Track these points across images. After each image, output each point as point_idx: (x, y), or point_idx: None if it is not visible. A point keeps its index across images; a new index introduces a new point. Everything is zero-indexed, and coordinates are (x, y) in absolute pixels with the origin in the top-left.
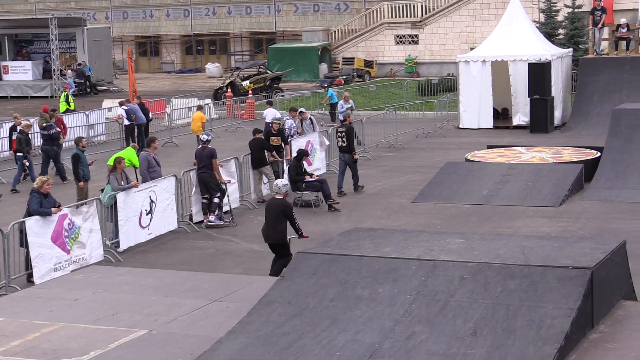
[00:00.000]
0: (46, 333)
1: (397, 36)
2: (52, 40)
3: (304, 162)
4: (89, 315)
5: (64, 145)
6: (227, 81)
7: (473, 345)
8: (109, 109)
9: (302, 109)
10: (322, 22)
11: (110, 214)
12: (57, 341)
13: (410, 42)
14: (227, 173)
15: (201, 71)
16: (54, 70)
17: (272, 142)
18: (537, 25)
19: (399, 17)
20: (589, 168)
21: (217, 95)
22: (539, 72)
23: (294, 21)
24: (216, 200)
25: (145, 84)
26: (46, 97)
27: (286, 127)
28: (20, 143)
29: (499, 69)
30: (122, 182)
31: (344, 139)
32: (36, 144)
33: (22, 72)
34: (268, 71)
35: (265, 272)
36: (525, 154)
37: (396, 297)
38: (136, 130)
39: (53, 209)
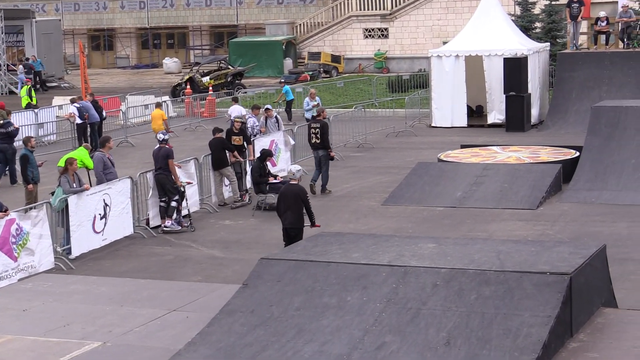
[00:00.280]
0: None
1: (366, 30)
2: None
3: (268, 163)
4: (38, 327)
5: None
6: (186, 77)
7: (446, 356)
8: (60, 107)
9: (269, 106)
10: (286, 14)
11: (61, 219)
12: (4, 355)
13: (379, 36)
14: (186, 174)
15: (158, 66)
16: (0, 65)
17: (233, 142)
18: (513, 18)
19: (368, 9)
20: (568, 168)
21: (175, 92)
22: (514, 68)
23: (257, 14)
24: (173, 204)
25: (99, 80)
26: None
27: (249, 125)
28: None
29: (473, 65)
30: (74, 185)
31: (318, 135)
32: None
33: None
34: (229, 66)
35: (227, 279)
36: (501, 154)
37: (365, 305)
38: (89, 130)
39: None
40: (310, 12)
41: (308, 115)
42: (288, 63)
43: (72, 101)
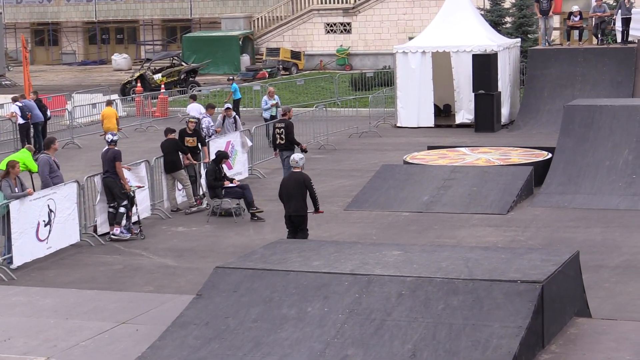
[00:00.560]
0: None
1: (328, 24)
2: None
3: (224, 166)
4: None
5: None
6: (137, 74)
7: None
8: (1, 106)
9: (228, 105)
10: (243, 8)
11: (2, 226)
12: None
13: (342, 31)
14: (137, 178)
15: (107, 63)
16: None
17: (187, 143)
18: (482, 12)
19: (330, 3)
20: (540, 171)
21: (125, 90)
22: (484, 65)
23: (212, 7)
24: (122, 210)
25: (43, 77)
26: None
27: (203, 126)
28: None
29: (441, 61)
30: (16, 189)
31: (283, 136)
32: None
33: None
34: (183, 63)
35: (180, 289)
36: (470, 156)
37: (327, 316)
38: (32, 130)
39: None
40: (269, 6)
41: (266, 115)
42: (245, 59)
43: (14, 100)
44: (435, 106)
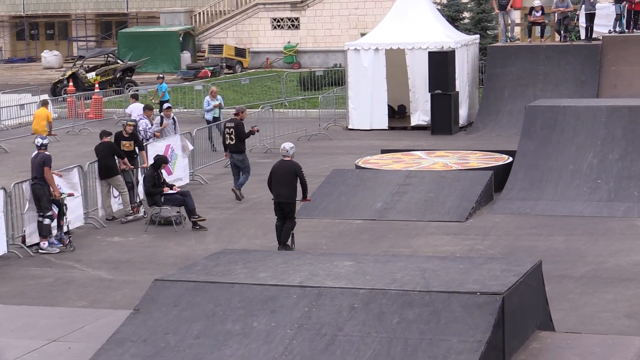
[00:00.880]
0: None
1: (274, 19)
2: None
3: (163, 171)
4: None
5: None
6: (69, 73)
7: None
8: None
9: (168, 105)
10: (184, 2)
11: None
12: None
13: (289, 27)
14: (69, 185)
15: (36, 60)
16: None
17: (123, 147)
18: (439, 7)
19: None
20: (500, 176)
21: (56, 89)
22: (440, 63)
23: (150, 1)
24: (47, 221)
25: None
26: None
27: (140, 128)
28: None
29: (395, 59)
30: None
31: (233, 136)
32: None
33: None
34: (118, 61)
35: (116, 304)
36: (426, 160)
37: (274, 331)
38: None
39: None
40: (212, 0)
41: (209, 116)
42: (186, 57)
43: None
44: (389, 107)
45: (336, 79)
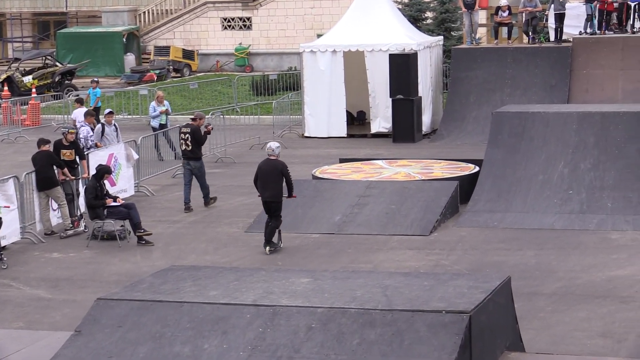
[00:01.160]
0: None
1: (225, 19)
2: None
3: (106, 182)
4: None
5: None
6: (3, 76)
7: None
8: None
9: (109, 109)
10: (127, 0)
11: None
12: None
13: (241, 27)
14: (3, 197)
15: None
16: None
17: (63, 157)
18: (400, 7)
19: None
20: (466, 186)
21: None
22: (402, 66)
23: None
24: None
25: None
26: None
27: (81, 136)
28: None
29: (354, 62)
30: None
31: (189, 142)
32: None
33: None
34: (57, 63)
35: (55, 325)
36: (387, 170)
37: (226, 354)
38: None
39: None
40: None
41: (155, 123)
42: (130, 59)
43: None
44: (348, 113)
45: (291, 83)
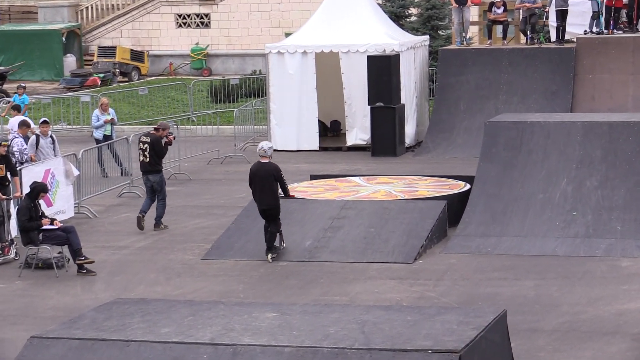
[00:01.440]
0: None
1: (179, 16)
2: None
3: (41, 202)
4: None
5: None
6: None
7: None
8: None
9: (45, 118)
10: None
11: None
12: None
13: (198, 25)
14: None
15: None
16: None
17: None
18: (380, 2)
19: None
20: (455, 207)
21: None
22: (382, 69)
23: None
24: None
25: None
26: None
27: (15, 149)
28: None
29: (327, 65)
30: None
31: (147, 153)
32: None
33: None
34: None
35: None
36: (365, 187)
37: None
38: None
39: None
40: None
41: (98, 134)
42: (70, 61)
43: None
44: (321, 123)
45: (255, 88)
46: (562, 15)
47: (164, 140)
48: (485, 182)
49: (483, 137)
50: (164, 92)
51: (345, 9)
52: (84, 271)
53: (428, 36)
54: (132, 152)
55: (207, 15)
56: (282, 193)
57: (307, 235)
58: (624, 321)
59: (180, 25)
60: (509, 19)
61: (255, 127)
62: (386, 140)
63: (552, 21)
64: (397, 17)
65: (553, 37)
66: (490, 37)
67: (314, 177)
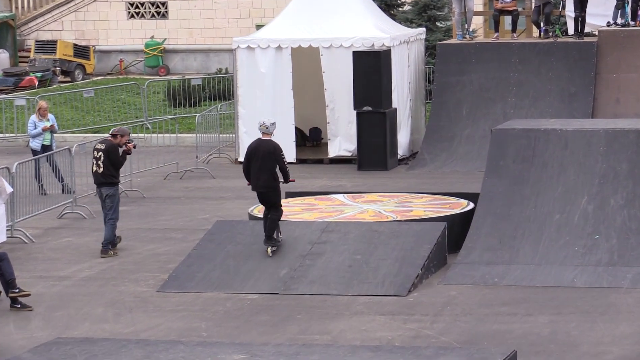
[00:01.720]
0: None
1: (131, 4)
2: None
3: None
4: None
5: None
6: None
7: None
8: None
9: None
10: None
11: None
12: None
13: (153, 15)
14: None
15: None
16: None
17: None
18: None
19: None
20: (456, 229)
21: None
22: (371, 68)
23: None
24: None
25: None
26: None
27: None
28: None
29: (305, 62)
30: None
31: (100, 162)
32: None
33: None
34: None
35: None
36: (351, 207)
37: None
38: None
39: None
40: None
41: (35, 144)
42: (2, 58)
43: None
44: (298, 131)
45: (221, 90)
46: (581, 4)
47: (122, 148)
48: (491, 200)
49: (489, 147)
50: (113, 94)
51: None
52: (18, 306)
53: (424, 29)
54: (76, 165)
55: (164, 4)
56: (281, 178)
57: (281, 264)
58: None
59: (132, 16)
60: (519, 8)
61: (220, 135)
62: (375, 151)
63: (570, 11)
64: (388, 7)
65: (571, 30)
66: (497, 30)
67: (290, 195)
